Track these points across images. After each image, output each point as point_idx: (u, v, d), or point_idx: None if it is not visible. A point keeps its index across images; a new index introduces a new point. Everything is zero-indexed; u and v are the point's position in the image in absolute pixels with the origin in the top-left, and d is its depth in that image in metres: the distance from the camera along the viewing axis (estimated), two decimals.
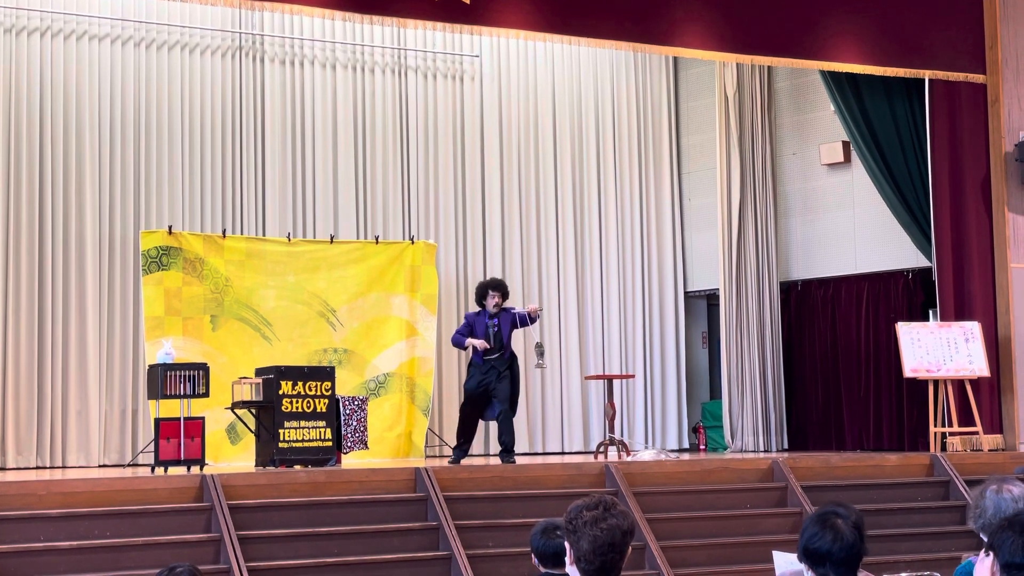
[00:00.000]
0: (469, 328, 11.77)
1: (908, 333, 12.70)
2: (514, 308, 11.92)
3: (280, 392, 11.11)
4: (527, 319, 11.77)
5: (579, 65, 15.36)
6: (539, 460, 12.80)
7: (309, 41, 14.12)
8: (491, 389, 11.62)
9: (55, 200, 12.98)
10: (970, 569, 4.83)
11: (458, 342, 11.86)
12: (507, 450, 11.60)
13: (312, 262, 13.44)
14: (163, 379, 10.71)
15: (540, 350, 11.99)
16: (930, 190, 13.05)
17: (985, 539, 4.71)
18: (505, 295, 11.90)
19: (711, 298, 15.77)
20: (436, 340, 13.79)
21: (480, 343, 11.57)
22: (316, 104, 14.10)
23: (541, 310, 12.37)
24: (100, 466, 12.75)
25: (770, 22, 12.35)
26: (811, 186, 14.77)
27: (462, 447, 11.79)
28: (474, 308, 12.20)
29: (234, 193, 13.71)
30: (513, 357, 11.76)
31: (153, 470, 10.60)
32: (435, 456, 13.60)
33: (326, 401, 11.29)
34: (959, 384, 12.66)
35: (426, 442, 13.64)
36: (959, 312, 12.86)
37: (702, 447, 15.32)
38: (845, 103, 13.37)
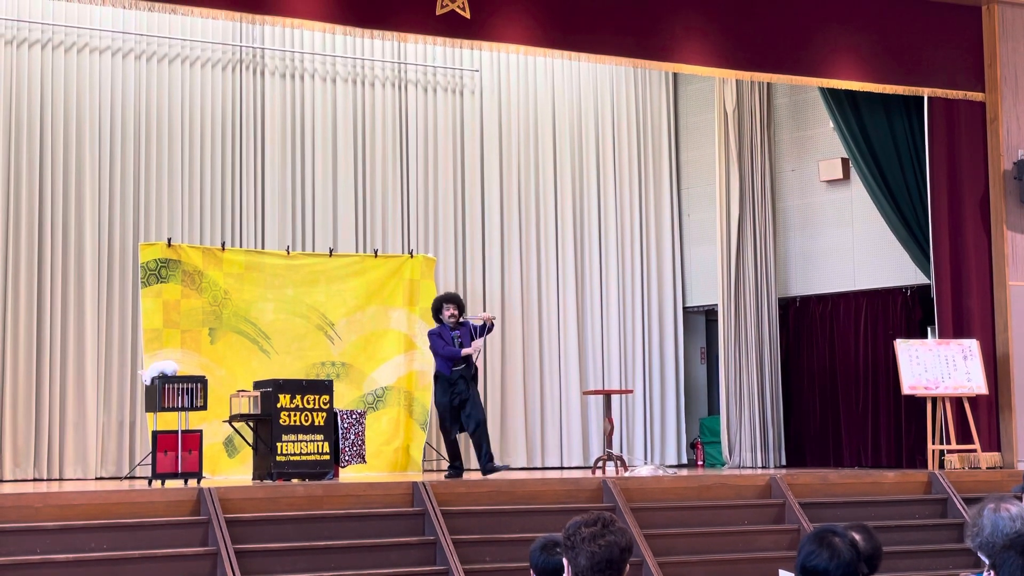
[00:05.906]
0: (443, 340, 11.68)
1: (906, 350, 12.70)
2: (470, 319, 11.87)
3: (278, 405, 11.11)
4: (483, 329, 11.74)
5: (579, 80, 15.37)
6: (537, 475, 12.78)
7: (309, 54, 14.14)
8: (463, 399, 11.53)
9: (55, 212, 12.98)
10: None
11: (454, 354, 11.57)
12: (490, 459, 11.53)
13: (311, 275, 13.44)
14: (161, 392, 10.70)
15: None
16: (929, 207, 13.07)
17: (983, 557, 4.72)
18: (462, 308, 11.85)
19: (710, 313, 15.77)
20: None
21: (477, 344, 11.56)
22: (316, 117, 14.12)
23: (494, 319, 12.33)
24: (97, 478, 12.74)
25: (769, 39, 12.39)
26: (810, 202, 14.78)
27: (455, 467, 11.74)
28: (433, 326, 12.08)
29: (233, 206, 13.71)
30: (475, 367, 11.76)
31: (150, 483, 10.57)
32: (433, 470, 13.58)
33: (324, 415, 11.30)
34: (957, 401, 12.66)
35: (424, 456, 13.63)
36: (957, 329, 12.87)
37: (700, 463, 15.30)
38: (844, 120, 13.39)
